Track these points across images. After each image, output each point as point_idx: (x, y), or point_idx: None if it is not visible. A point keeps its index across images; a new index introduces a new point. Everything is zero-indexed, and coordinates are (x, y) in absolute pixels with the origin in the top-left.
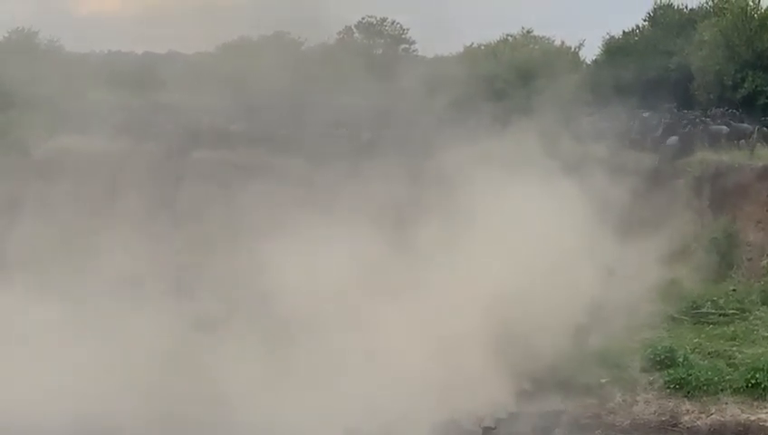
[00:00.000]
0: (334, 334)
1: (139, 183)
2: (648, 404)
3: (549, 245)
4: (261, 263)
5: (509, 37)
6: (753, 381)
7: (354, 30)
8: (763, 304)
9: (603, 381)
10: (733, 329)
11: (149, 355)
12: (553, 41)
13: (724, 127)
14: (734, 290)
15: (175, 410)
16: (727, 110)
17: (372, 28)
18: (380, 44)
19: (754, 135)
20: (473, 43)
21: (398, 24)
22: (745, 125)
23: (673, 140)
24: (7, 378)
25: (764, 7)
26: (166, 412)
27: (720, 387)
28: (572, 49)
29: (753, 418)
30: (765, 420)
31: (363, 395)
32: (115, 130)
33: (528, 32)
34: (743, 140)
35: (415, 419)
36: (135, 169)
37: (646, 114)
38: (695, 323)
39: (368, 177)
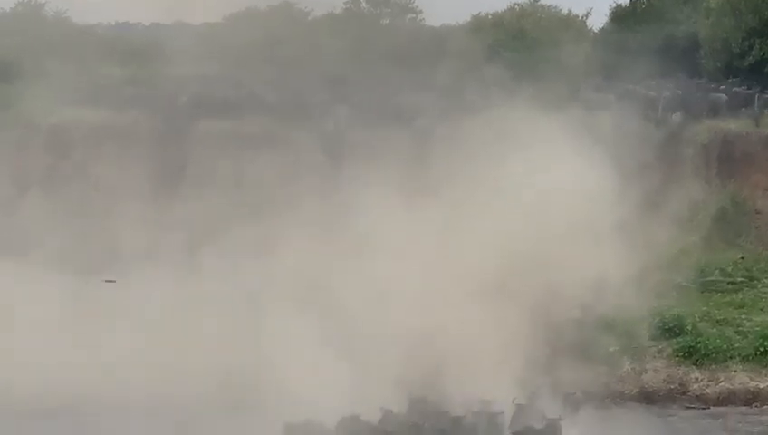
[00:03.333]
0: (353, 299)
1: (147, 155)
2: (657, 372)
3: (556, 213)
4: (274, 235)
5: (516, 6)
6: (761, 349)
7: (361, 0)
8: None
9: (612, 349)
10: (741, 297)
11: (163, 329)
12: (560, 9)
13: (723, 95)
14: (742, 258)
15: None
16: (730, 79)
17: None
18: (387, 14)
19: (756, 102)
20: (480, 12)
21: None
22: (750, 91)
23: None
24: (20, 355)
25: None
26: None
27: (729, 355)
28: (579, 18)
29: (762, 385)
30: None
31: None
32: (123, 101)
33: (535, 0)
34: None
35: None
36: (142, 140)
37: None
38: (703, 292)
39: (377, 145)
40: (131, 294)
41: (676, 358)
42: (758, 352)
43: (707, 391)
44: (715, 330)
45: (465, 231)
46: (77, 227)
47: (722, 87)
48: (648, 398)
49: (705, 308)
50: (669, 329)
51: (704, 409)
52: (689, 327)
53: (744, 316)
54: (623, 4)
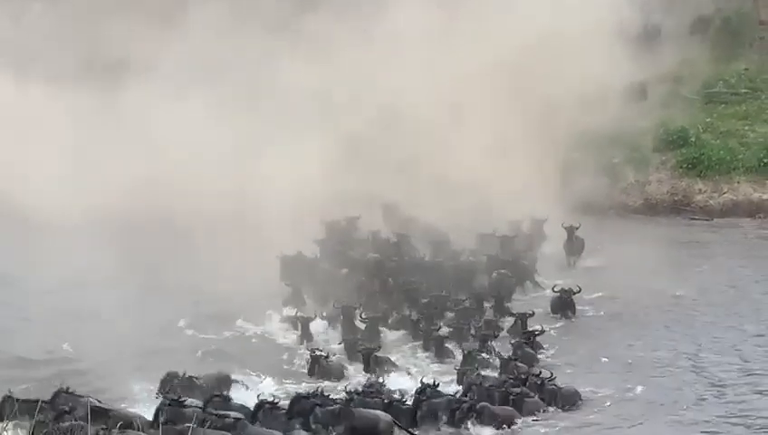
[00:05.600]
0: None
1: None
2: (661, 184)
3: (555, 22)
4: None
5: None
6: (765, 161)
7: None
8: None
9: (615, 160)
10: (745, 108)
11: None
12: None
13: None
14: (746, 69)
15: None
16: None
17: None
18: None
19: None
20: None
21: None
22: None
23: None
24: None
25: None
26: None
27: (732, 166)
28: None
29: (765, 197)
30: None
31: None
32: None
33: None
34: None
35: None
36: None
37: None
38: (706, 103)
39: None
40: (135, 108)
41: (680, 169)
42: (762, 164)
43: (711, 202)
44: (718, 141)
45: (469, 40)
46: (81, 40)
47: None
48: (652, 209)
49: (708, 120)
50: (673, 140)
51: (707, 220)
52: (693, 139)
53: (747, 128)
54: None
